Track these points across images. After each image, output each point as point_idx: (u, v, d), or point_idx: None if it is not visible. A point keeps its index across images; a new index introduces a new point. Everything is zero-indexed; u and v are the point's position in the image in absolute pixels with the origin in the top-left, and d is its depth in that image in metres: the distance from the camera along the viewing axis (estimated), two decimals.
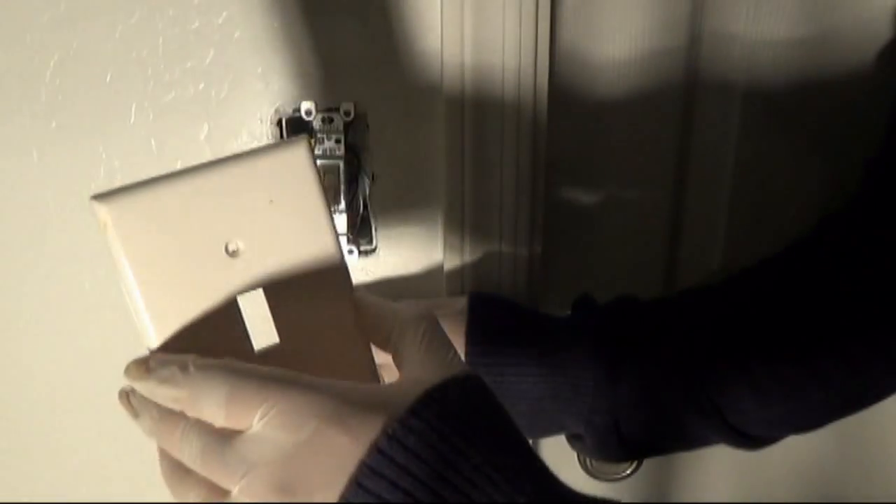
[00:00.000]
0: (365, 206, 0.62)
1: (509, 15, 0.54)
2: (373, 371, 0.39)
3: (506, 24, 0.55)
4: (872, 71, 0.62)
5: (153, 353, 0.35)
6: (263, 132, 0.59)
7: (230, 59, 0.56)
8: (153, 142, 0.58)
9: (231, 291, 0.37)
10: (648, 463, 0.67)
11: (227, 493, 0.32)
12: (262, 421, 0.31)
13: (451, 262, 0.61)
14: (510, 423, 0.33)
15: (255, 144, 0.58)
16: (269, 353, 0.38)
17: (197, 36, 0.56)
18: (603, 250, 0.67)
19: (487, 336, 0.55)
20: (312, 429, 0.30)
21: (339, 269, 0.39)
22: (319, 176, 0.38)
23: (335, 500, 0.29)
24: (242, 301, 0.37)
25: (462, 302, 0.57)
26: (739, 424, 0.54)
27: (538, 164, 0.59)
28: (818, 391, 0.53)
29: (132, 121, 0.58)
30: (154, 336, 0.36)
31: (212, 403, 0.32)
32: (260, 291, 0.37)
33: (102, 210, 0.36)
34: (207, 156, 0.59)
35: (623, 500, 0.35)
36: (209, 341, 0.36)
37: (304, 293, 0.38)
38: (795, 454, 0.74)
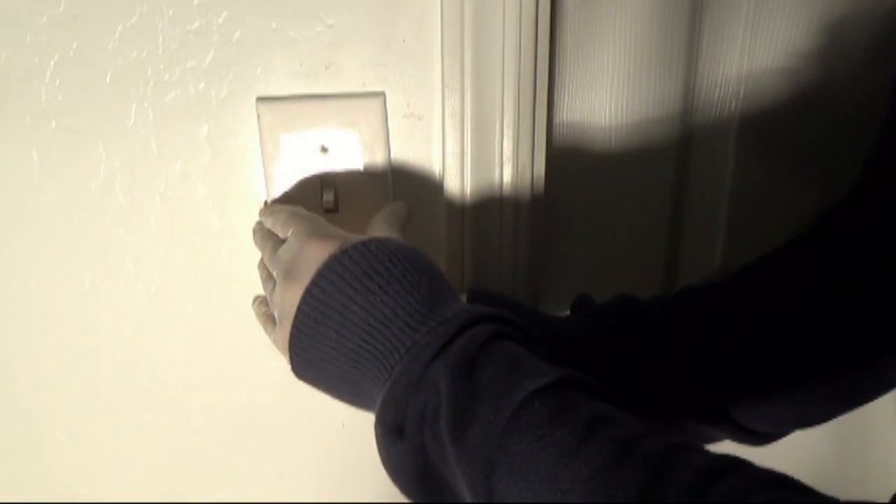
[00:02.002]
0: None
1: (509, 13, 0.54)
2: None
3: (506, 24, 0.55)
4: (864, 82, 0.62)
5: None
6: None
7: (230, 59, 0.56)
8: (153, 142, 0.58)
9: (319, 170, 0.59)
10: None
11: (273, 280, 0.52)
12: (290, 234, 0.52)
13: (452, 261, 0.61)
14: (429, 276, 0.49)
15: (255, 145, 0.59)
16: (329, 210, 0.60)
17: (197, 36, 0.56)
18: (603, 250, 0.67)
19: None
20: (304, 241, 0.50)
21: (384, 175, 0.60)
22: (385, 115, 0.59)
23: (308, 283, 0.48)
24: (322, 178, 0.60)
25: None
26: (744, 421, 0.54)
27: (538, 162, 0.59)
28: (822, 385, 0.53)
29: (132, 121, 0.58)
30: (272, 190, 0.60)
31: (277, 223, 0.55)
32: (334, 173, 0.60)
33: (258, 107, 0.58)
34: (207, 156, 0.59)
35: None
36: (301, 194, 0.60)
37: (358, 182, 0.60)
38: (795, 455, 0.74)
